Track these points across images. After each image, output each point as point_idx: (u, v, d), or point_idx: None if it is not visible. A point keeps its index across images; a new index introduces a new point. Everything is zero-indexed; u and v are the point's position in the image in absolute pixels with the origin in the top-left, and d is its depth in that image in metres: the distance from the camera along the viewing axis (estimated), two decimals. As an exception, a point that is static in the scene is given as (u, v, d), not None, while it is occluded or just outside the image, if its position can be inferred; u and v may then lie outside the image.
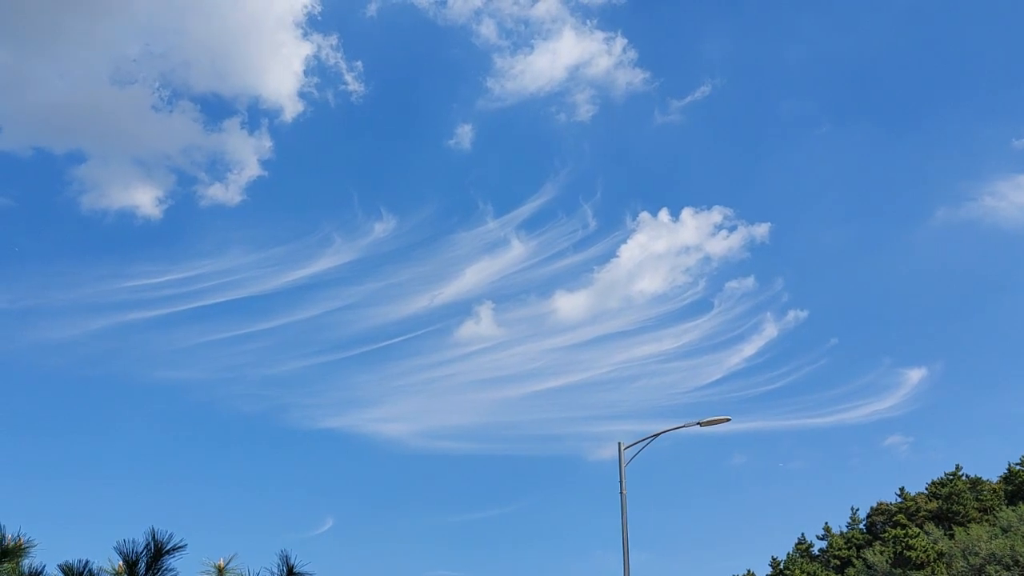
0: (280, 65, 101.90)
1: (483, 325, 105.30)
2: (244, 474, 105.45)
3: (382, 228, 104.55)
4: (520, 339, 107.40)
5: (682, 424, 26.07)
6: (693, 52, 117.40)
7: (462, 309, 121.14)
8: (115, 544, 6.37)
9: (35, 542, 5.96)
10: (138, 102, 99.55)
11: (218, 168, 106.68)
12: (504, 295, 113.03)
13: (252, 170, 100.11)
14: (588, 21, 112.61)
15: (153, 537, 6.44)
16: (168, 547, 6.45)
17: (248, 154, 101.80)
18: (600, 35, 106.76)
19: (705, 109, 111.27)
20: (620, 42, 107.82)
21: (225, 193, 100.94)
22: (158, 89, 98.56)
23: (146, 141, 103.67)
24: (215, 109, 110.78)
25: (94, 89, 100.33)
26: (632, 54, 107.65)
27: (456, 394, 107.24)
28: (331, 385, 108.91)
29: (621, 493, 25.13)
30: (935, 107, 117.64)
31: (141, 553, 6.37)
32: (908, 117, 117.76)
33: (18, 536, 6.10)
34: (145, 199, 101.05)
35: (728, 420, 26.04)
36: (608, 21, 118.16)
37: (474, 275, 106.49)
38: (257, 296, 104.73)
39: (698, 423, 25.92)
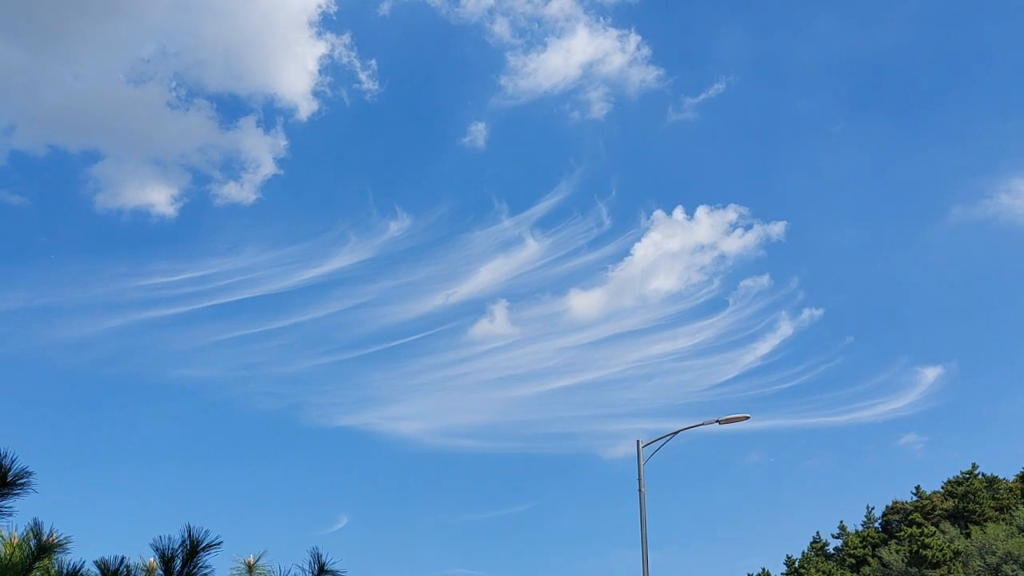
0: (294, 64, 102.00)
1: (497, 323, 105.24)
2: (260, 472, 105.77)
3: (397, 227, 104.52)
4: (534, 337, 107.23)
5: (701, 422, 25.98)
6: (707, 49, 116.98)
7: (477, 307, 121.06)
8: (151, 540, 6.35)
9: (71, 538, 5.93)
10: (153, 101, 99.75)
11: (233, 167, 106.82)
12: (519, 293, 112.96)
13: (267, 168, 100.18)
14: (602, 19, 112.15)
15: (189, 534, 6.41)
16: (204, 544, 6.42)
17: (263, 152, 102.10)
18: (614, 32, 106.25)
19: (719, 106, 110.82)
20: (634, 39, 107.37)
21: (240, 191, 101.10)
22: (174, 88, 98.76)
23: (161, 140, 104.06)
24: (230, 108, 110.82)
25: (109, 88, 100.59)
26: (646, 51, 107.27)
27: (471, 392, 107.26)
28: (346, 383, 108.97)
29: (640, 491, 25.04)
30: (951, 104, 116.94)
31: (177, 550, 6.34)
32: (923, 114, 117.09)
33: (50, 532, 6.07)
34: (160, 198, 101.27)
35: (747, 418, 25.94)
36: (622, 19, 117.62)
37: (489, 273, 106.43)
38: (272, 294, 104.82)
39: (717, 421, 25.82)
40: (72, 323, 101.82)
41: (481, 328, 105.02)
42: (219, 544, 6.46)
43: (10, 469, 4.73)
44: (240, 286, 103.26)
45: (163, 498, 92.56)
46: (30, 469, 4.75)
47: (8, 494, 4.80)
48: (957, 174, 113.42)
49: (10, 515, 4.91)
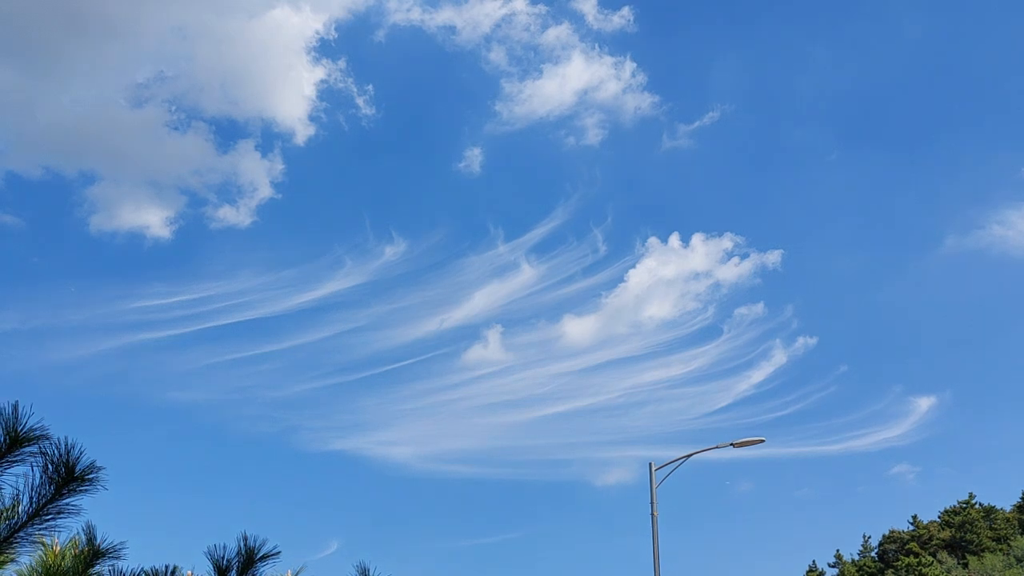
0: (292, 89, 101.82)
1: (491, 349, 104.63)
2: (251, 496, 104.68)
3: (393, 251, 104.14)
4: (528, 363, 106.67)
5: (715, 445, 25.55)
6: (702, 77, 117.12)
7: (471, 333, 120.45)
8: (205, 549, 5.90)
9: (126, 543, 5.48)
10: (151, 124, 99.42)
11: (230, 190, 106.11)
12: (513, 319, 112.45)
13: (264, 192, 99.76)
14: (597, 46, 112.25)
15: (245, 543, 5.94)
16: (261, 554, 5.96)
17: (260, 176, 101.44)
18: (609, 60, 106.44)
19: (714, 134, 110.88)
20: (629, 66, 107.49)
21: (236, 215, 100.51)
22: (174, 112, 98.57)
23: (158, 163, 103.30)
24: (228, 132, 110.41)
25: (106, 110, 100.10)
26: (641, 78, 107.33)
27: (463, 418, 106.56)
28: (339, 407, 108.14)
29: (652, 515, 24.56)
30: (945, 134, 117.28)
31: (233, 560, 5.88)
32: (918, 144, 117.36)
33: (101, 538, 5.62)
34: (155, 220, 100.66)
35: (763, 441, 25.52)
36: (617, 46, 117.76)
37: (483, 299, 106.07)
38: (267, 318, 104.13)
39: (731, 444, 25.39)
40: (65, 345, 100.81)
41: (475, 353, 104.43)
42: (277, 554, 6.00)
43: (78, 462, 4.30)
44: (235, 309, 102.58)
45: (154, 521, 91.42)
46: (100, 463, 4.31)
47: (76, 491, 4.36)
48: (950, 204, 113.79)
49: (78, 514, 4.46)
